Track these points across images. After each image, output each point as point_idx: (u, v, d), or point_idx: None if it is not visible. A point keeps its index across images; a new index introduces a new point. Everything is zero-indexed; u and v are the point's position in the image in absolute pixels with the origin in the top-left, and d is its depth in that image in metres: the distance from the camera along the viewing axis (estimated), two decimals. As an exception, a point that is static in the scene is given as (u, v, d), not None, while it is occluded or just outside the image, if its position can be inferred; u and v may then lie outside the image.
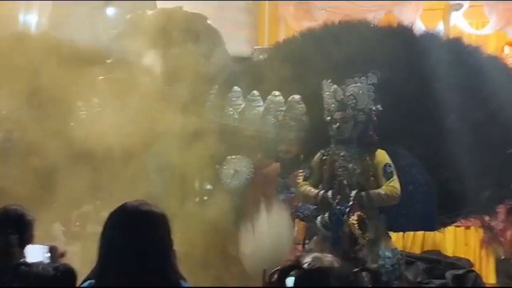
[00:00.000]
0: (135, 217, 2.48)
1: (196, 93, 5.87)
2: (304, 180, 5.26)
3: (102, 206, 5.22)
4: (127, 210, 2.50)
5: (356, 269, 2.25)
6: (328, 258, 2.20)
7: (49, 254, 3.33)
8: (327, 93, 5.21)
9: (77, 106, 5.95)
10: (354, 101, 5.10)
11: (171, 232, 2.53)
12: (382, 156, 5.12)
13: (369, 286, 2.27)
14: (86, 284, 2.53)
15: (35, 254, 3.27)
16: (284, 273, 2.21)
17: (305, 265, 2.17)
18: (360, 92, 5.10)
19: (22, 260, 3.14)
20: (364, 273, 2.28)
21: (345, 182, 5.01)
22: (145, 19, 6.27)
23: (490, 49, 6.75)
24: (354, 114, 5.11)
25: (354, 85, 5.11)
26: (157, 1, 7.63)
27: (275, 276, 2.27)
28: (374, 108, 5.09)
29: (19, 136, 5.90)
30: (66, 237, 5.50)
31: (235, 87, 5.84)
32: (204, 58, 6.10)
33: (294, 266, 2.20)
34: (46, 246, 3.39)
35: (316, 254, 2.28)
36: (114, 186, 5.13)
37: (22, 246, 3.28)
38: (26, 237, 3.32)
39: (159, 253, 2.45)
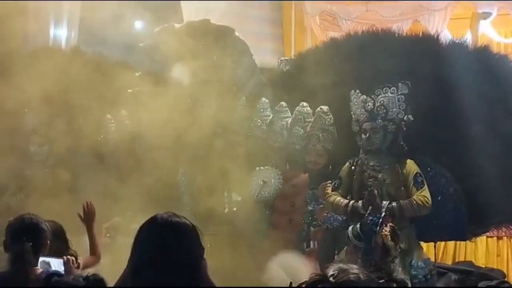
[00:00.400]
0: (165, 229, 2.51)
1: (224, 105, 5.89)
2: (333, 190, 5.23)
3: (132, 217, 5.25)
4: (158, 222, 2.53)
5: (382, 281, 2.21)
6: (354, 270, 2.17)
7: (63, 267, 3.38)
8: (356, 103, 5.18)
9: (107, 118, 6.01)
10: (384, 111, 5.07)
11: (201, 243, 2.55)
12: (411, 166, 5.08)
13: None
14: None
15: (51, 266, 3.32)
16: (312, 285, 2.19)
17: (331, 278, 2.15)
18: (391, 102, 5.07)
19: (54, 270, 3.21)
20: (391, 284, 2.24)
21: (375, 192, 4.97)
22: (173, 32, 6.31)
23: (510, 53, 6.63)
24: (384, 124, 5.07)
25: (384, 95, 5.08)
26: (184, 15, 7.70)
27: None
28: (405, 118, 5.05)
29: (48, 149, 5.96)
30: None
31: (263, 99, 5.85)
32: (232, 70, 6.11)
33: (321, 281, 2.18)
34: (60, 259, 3.44)
35: (342, 265, 2.24)
36: (144, 198, 5.16)
37: (36, 253, 3.36)
38: (40, 245, 3.39)
39: (189, 264, 2.47)
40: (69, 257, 3.50)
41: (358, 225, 5.02)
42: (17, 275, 3.23)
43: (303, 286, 2.22)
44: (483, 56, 5.57)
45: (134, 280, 2.48)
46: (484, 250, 7.85)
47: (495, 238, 7.68)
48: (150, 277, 2.45)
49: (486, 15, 8.27)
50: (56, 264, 3.38)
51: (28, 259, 3.29)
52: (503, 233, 7.35)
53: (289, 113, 5.76)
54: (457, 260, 7.96)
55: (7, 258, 3.32)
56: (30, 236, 3.35)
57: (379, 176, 5.07)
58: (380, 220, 4.90)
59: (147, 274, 2.46)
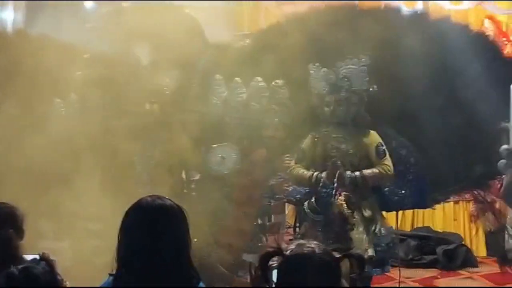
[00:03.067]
0: (150, 212, 2.46)
1: (177, 83, 5.81)
2: (296, 162, 5.24)
3: (90, 202, 5.17)
4: (142, 206, 2.48)
5: (338, 256, 2.23)
6: (310, 245, 2.19)
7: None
8: (316, 76, 5.19)
9: (56, 103, 5.86)
10: (348, 83, 5.09)
11: (188, 226, 2.49)
12: (374, 136, 5.15)
13: (352, 273, 2.25)
14: (105, 282, 2.51)
15: None
16: (265, 258, 2.20)
17: (287, 252, 2.17)
18: (354, 74, 5.10)
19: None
20: (348, 260, 2.25)
21: (338, 162, 5.00)
22: (121, 12, 6.17)
23: (470, 23, 6.71)
24: (348, 96, 5.11)
25: (346, 67, 5.10)
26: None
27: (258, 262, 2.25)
28: (370, 89, 5.08)
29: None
30: (55, 233, 5.45)
31: (217, 75, 5.78)
32: (183, 47, 6.02)
33: (276, 252, 2.20)
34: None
35: (301, 241, 2.28)
36: (101, 181, 5.07)
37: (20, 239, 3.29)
38: (21, 231, 3.33)
39: (176, 249, 2.42)
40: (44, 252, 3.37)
41: (313, 199, 5.05)
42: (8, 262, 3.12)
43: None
44: (444, 26, 5.61)
45: (120, 267, 2.42)
46: (442, 215, 8.01)
47: (452, 202, 7.84)
48: (135, 264, 2.39)
49: (436, -17, 8.33)
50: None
51: (17, 246, 3.21)
52: (459, 198, 7.49)
53: (244, 88, 5.71)
54: (415, 226, 8.11)
55: None
56: (10, 223, 3.27)
57: (342, 147, 5.10)
58: (334, 190, 4.94)
59: (133, 261, 2.40)
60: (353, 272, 2.24)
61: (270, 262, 2.20)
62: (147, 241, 2.40)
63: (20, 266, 2.54)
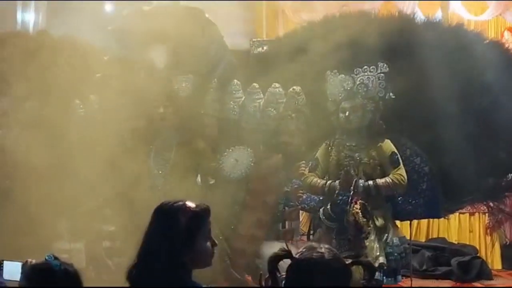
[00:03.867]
0: (156, 214, 2.52)
1: (196, 87, 5.83)
2: (310, 171, 5.24)
3: (105, 203, 5.20)
4: (156, 209, 2.54)
5: (348, 262, 2.22)
6: (320, 249, 2.19)
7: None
8: (332, 83, 5.19)
9: (75, 104, 5.91)
10: (364, 89, 5.09)
11: (195, 225, 2.51)
12: (388, 145, 5.12)
13: (362, 280, 2.25)
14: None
15: (10, 270, 3.20)
16: (275, 261, 2.21)
17: (297, 255, 2.17)
18: (371, 80, 5.10)
19: None
20: (358, 267, 2.25)
21: (351, 171, 4.99)
22: (142, 15, 6.21)
23: (489, 34, 6.70)
24: (363, 103, 5.10)
25: (364, 74, 5.10)
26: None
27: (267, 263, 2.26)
28: (386, 96, 5.08)
29: (18, 133, 5.86)
30: (70, 234, 5.49)
31: (235, 80, 5.80)
32: (203, 52, 6.04)
33: (285, 256, 2.20)
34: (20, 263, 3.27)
35: (313, 244, 2.27)
36: (116, 184, 5.10)
37: None
38: None
39: (171, 251, 2.44)
40: (28, 260, 3.30)
41: (328, 206, 5.04)
42: None
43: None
44: (458, 34, 5.60)
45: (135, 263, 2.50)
46: (457, 226, 7.97)
47: (468, 214, 7.79)
48: (140, 262, 2.46)
49: (456, -7, 8.32)
50: (15, 268, 3.16)
51: None
52: (475, 209, 7.44)
53: (262, 94, 5.71)
54: (430, 237, 8.07)
55: None
56: None
57: (356, 156, 5.09)
58: (350, 198, 4.93)
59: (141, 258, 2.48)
60: (363, 279, 2.23)
61: (279, 274, 2.21)
62: (149, 240, 2.47)
63: (59, 262, 2.57)
